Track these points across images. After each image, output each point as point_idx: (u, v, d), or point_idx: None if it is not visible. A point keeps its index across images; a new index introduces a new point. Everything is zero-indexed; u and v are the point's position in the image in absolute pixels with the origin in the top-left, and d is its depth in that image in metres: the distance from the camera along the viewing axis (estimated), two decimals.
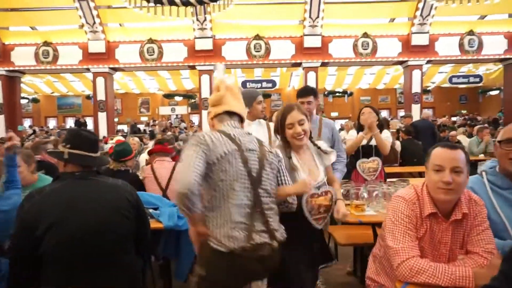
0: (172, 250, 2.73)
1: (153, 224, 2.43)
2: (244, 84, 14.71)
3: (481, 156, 6.79)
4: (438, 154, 1.69)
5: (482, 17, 13.29)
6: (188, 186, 1.49)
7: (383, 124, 3.63)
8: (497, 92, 18.99)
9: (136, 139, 6.47)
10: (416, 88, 13.51)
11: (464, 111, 20.60)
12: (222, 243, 1.60)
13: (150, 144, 6.77)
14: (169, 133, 11.87)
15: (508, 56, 13.08)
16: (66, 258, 1.69)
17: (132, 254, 1.89)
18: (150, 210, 2.59)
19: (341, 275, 3.25)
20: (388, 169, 3.96)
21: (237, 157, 1.67)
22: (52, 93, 20.58)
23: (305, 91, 3.14)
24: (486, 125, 9.85)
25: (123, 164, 3.38)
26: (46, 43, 13.06)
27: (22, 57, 13.21)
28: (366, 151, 3.52)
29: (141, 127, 18.00)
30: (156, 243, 2.66)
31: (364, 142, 3.53)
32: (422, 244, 1.69)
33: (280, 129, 2.05)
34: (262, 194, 1.72)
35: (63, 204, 1.73)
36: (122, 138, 7.80)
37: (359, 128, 3.62)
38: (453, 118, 17.67)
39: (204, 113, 13.20)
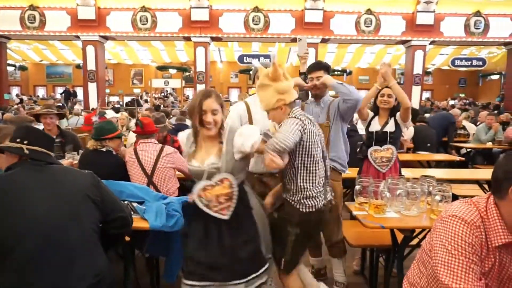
0: (160, 248, 2.38)
1: (138, 223, 2.08)
2: (240, 58, 14.23)
3: (489, 144, 6.44)
4: None
5: None
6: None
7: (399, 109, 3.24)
8: (497, 76, 18.70)
9: (125, 114, 5.98)
10: (417, 69, 13.15)
11: (462, 95, 20.31)
12: (311, 205, 2.03)
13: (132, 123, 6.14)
14: (162, 107, 11.39)
15: None
16: (17, 256, 1.43)
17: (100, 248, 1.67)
18: (135, 204, 2.23)
19: (347, 274, 2.94)
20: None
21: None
22: (40, 61, 19.83)
23: (313, 66, 2.79)
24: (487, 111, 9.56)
25: (103, 143, 2.91)
26: (32, 7, 12.36)
27: (6, 21, 12.51)
28: (380, 138, 3.08)
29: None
30: (142, 239, 2.32)
31: (378, 127, 3.14)
32: (486, 281, 1.33)
33: (193, 114, 1.92)
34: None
35: (14, 192, 1.51)
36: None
37: (376, 110, 3.23)
38: (451, 102, 17.36)
39: (199, 87, 12.73)
